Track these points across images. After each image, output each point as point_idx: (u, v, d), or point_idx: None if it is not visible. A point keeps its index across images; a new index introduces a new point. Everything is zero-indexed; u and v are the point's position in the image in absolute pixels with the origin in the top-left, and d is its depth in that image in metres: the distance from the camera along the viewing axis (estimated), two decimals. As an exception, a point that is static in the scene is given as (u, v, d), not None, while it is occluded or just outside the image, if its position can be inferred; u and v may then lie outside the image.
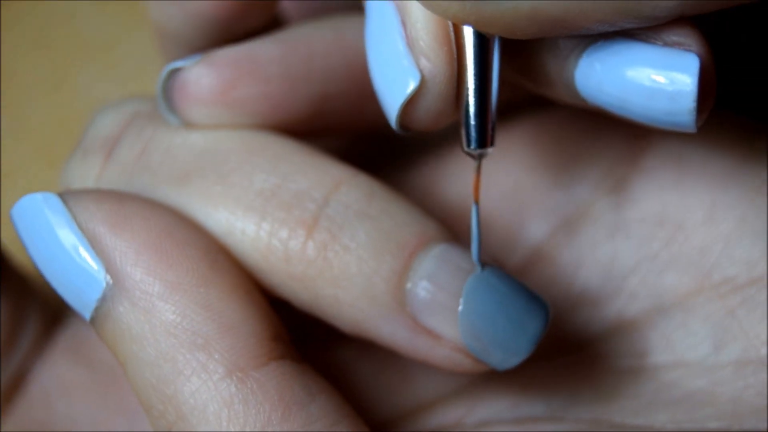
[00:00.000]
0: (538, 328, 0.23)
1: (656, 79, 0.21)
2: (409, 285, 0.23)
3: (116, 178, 0.24)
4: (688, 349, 0.25)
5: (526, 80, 0.23)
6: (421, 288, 0.22)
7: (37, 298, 0.28)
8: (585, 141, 0.27)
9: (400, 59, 0.22)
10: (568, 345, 0.26)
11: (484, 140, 0.22)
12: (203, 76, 0.24)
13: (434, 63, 0.22)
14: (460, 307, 0.22)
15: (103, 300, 0.22)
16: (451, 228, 0.24)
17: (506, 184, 0.27)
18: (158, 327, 0.22)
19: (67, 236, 0.22)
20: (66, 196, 0.23)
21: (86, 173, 0.25)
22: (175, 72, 0.25)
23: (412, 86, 0.22)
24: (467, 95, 0.22)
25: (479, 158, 0.23)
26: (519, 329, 0.22)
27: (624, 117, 0.21)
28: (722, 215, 0.25)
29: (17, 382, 0.27)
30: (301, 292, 0.23)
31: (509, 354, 0.22)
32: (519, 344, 0.22)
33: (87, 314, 0.23)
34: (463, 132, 0.22)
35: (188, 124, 0.25)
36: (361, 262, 0.23)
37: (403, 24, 0.22)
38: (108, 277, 0.22)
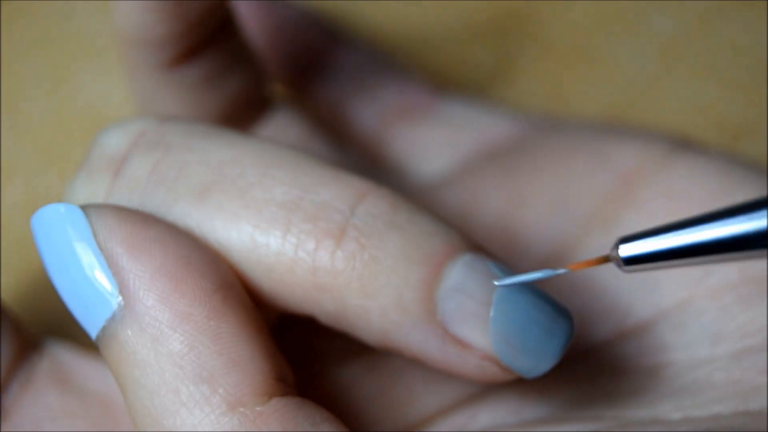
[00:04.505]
0: (566, 333, 0.23)
1: None
2: (438, 294, 0.22)
3: (127, 195, 0.24)
4: (685, 347, 0.25)
5: None
6: (451, 297, 0.22)
7: (9, 320, 0.26)
8: (576, 179, 0.28)
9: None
10: (570, 353, 0.26)
11: None
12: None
13: None
14: (492, 314, 0.22)
15: (112, 321, 0.22)
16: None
17: (498, 219, 0.28)
18: (164, 356, 0.21)
19: (85, 252, 0.22)
20: (89, 210, 0.22)
21: (93, 192, 0.24)
22: None
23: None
24: None
25: None
26: (549, 335, 0.23)
27: None
28: None
29: None
30: (328, 303, 0.23)
31: (539, 360, 0.23)
32: (549, 350, 0.23)
33: (93, 333, 0.22)
34: None
35: None
36: (391, 273, 0.22)
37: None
38: (120, 298, 0.22)
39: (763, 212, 0.19)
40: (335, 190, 0.23)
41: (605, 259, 0.21)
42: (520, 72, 0.38)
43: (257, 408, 0.21)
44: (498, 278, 0.23)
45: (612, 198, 0.27)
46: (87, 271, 0.22)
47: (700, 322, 0.25)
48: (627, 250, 0.20)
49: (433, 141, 0.32)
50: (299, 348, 0.26)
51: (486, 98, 0.35)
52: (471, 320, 0.22)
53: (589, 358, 0.26)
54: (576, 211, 0.27)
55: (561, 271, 0.22)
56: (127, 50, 0.28)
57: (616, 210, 0.27)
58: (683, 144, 0.28)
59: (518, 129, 0.32)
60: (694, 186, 0.27)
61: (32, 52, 0.38)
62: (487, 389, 0.26)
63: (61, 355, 0.27)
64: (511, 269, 0.23)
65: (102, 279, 0.22)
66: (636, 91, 0.38)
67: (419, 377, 0.26)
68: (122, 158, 0.24)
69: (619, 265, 0.21)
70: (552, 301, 0.23)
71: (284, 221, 0.23)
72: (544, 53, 0.39)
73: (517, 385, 0.25)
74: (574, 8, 0.39)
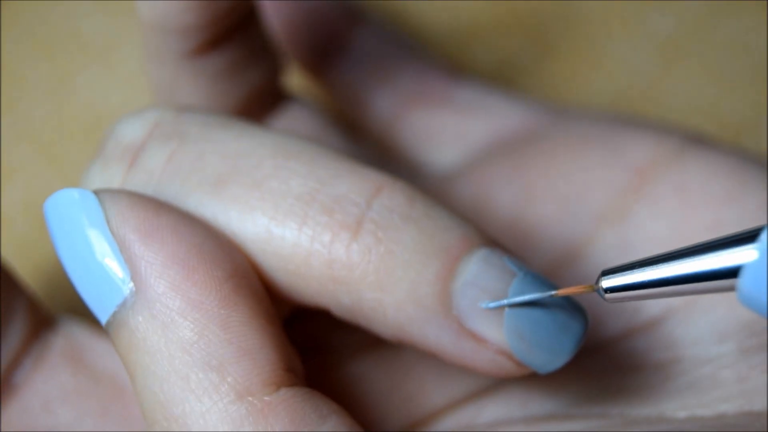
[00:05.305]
0: (580, 330, 0.23)
1: None
2: (454, 288, 0.22)
3: (142, 185, 0.24)
4: (692, 343, 0.25)
5: None
6: (466, 292, 0.22)
7: (24, 297, 0.26)
8: (589, 173, 0.28)
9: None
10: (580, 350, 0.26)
11: None
12: None
13: None
14: (507, 309, 0.22)
15: (123, 307, 0.22)
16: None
17: (510, 214, 0.28)
18: (174, 343, 0.21)
19: (98, 238, 0.22)
20: (103, 196, 0.22)
21: (108, 182, 0.24)
22: None
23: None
24: None
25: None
26: (563, 330, 0.23)
27: None
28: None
29: (7, 383, 0.26)
30: (344, 296, 0.23)
31: (554, 355, 0.23)
32: (563, 346, 0.23)
33: (104, 318, 0.22)
34: None
35: None
36: (407, 266, 0.22)
37: None
38: (132, 285, 0.22)
39: (737, 249, 0.20)
40: (352, 183, 0.23)
41: (591, 288, 0.22)
42: (520, 72, 0.38)
43: (265, 397, 0.21)
44: (515, 274, 0.23)
45: (625, 192, 0.27)
46: (99, 257, 0.22)
47: (708, 319, 0.25)
48: (608, 282, 0.22)
49: (447, 128, 0.32)
50: (310, 340, 0.26)
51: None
52: (486, 314, 0.22)
53: (598, 355, 0.26)
54: (589, 206, 0.27)
55: (548, 293, 0.22)
56: (149, 37, 0.28)
57: (628, 205, 0.27)
58: (697, 139, 0.28)
59: (533, 119, 0.31)
60: (708, 181, 0.27)
61: (32, 52, 0.38)
62: (494, 383, 0.26)
63: (75, 334, 0.27)
64: (525, 264, 0.23)
65: (114, 265, 0.22)
66: (636, 90, 0.38)
67: (429, 371, 0.26)
68: (138, 148, 0.24)
69: (602, 295, 0.22)
70: (566, 297, 0.23)
71: (300, 213, 0.23)
72: (545, 53, 0.39)
73: (525, 380, 0.25)
74: (575, 8, 0.39)
